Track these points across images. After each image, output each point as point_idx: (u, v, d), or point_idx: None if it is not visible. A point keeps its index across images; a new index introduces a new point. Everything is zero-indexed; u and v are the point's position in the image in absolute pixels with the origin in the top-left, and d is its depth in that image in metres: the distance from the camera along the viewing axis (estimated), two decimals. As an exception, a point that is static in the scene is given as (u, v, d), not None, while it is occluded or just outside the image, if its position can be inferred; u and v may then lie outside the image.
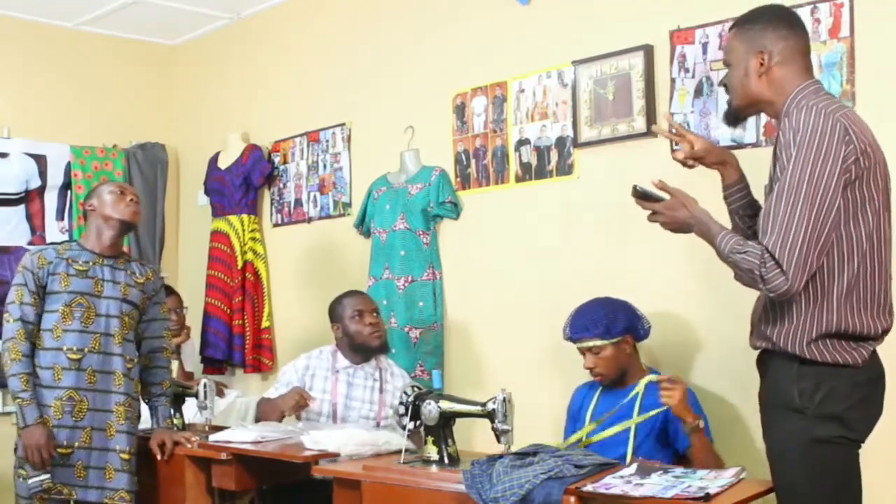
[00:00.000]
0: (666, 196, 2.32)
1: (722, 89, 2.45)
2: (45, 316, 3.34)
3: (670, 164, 3.17)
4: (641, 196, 2.35)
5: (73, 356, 3.31)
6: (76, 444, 3.30)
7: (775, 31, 2.27)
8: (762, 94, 2.29)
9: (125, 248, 3.66)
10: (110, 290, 3.40)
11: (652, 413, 2.87)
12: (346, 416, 3.57)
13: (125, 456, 3.35)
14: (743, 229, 2.42)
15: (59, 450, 3.27)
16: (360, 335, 3.57)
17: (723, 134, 3.12)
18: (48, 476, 3.25)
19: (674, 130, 2.52)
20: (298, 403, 3.48)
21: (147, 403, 3.58)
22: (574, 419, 3.18)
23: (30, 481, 3.24)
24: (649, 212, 2.36)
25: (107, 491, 3.32)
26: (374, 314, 3.62)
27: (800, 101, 2.21)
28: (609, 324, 2.98)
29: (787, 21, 2.31)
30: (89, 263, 3.40)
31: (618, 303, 3.07)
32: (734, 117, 2.42)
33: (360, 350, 3.59)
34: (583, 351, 3.04)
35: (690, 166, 2.46)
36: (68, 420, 3.29)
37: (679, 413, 2.79)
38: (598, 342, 2.98)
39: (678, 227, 2.33)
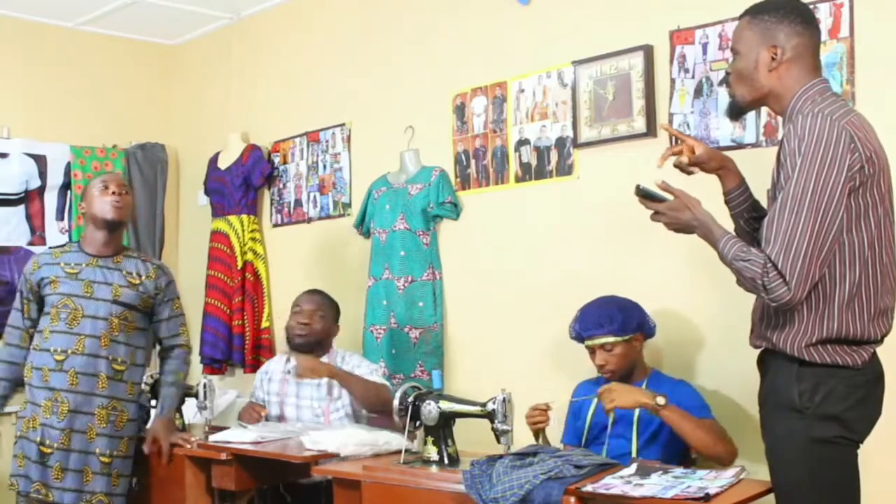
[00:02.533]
0: (669, 197, 2.31)
1: (723, 88, 2.42)
2: (41, 318, 3.40)
3: (671, 165, 3.17)
4: (644, 196, 2.34)
5: (58, 357, 3.33)
6: (55, 445, 3.31)
7: (790, 26, 2.23)
8: (771, 87, 2.25)
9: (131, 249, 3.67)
10: (100, 291, 3.39)
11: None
12: (299, 416, 3.65)
13: (105, 459, 3.35)
14: (748, 232, 2.41)
15: (42, 448, 3.30)
16: (288, 330, 3.70)
17: (723, 134, 3.12)
18: None
19: (675, 140, 2.49)
20: (254, 418, 3.65)
21: (157, 394, 3.60)
22: (575, 415, 3.18)
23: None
24: (651, 211, 2.36)
25: (84, 494, 3.32)
26: (310, 314, 3.68)
27: (805, 102, 2.20)
28: (624, 321, 2.97)
29: (802, 16, 2.27)
30: (82, 265, 3.40)
31: (627, 301, 3.06)
32: (738, 110, 2.37)
33: (289, 346, 3.70)
34: (593, 348, 3.01)
35: (690, 172, 2.44)
36: (54, 420, 3.32)
37: (633, 406, 2.78)
38: (612, 339, 2.96)
39: (680, 228, 2.32)
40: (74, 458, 3.32)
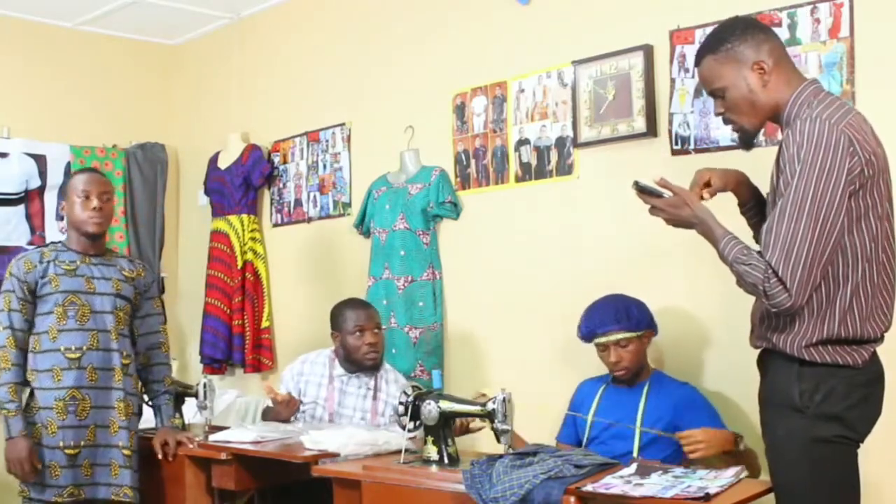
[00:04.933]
0: (667, 193, 2.31)
1: (720, 118, 2.38)
2: (39, 319, 3.32)
3: (670, 165, 3.18)
4: (641, 191, 2.33)
5: (72, 355, 3.29)
6: (82, 443, 3.29)
7: (754, 39, 2.23)
8: (776, 102, 2.23)
9: (114, 248, 3.64)
10: (102, 286, 3.37)
11: (655, 430, 2.88)
12: (339, 423, 3.56)
13: (127, 452, 3.35)
14: None
15: (67, 451, 3.26)
16: (357, 351, 3.52)
17: (723, 134, 3.12)
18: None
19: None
20: (290, 411, 3.51)
21: (150, 402, 3.58)
22: (575, 410, 3.18)
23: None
24: (650, 207, 2.34)
25: (113, 487, 3.32)
26: (376, 331, 3.55)
27: (801, 107, 2.19)
28: (639, 316, 2.96)
29: (757, 27, 2.28)
30: (76, 262, 3.37)
31: (635, 298, 3.04)
32: (751, 139, 2.34)
33: (354, 363, 3.57)
34: (606, 345, 2.98)
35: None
36: (73, 420, 3.27)
37: (718, 453, 2.74)
38: (627, 335, 2.94)
39: (680, 224, 2.32)
40: (101, 453, 3.31)
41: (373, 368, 3.56)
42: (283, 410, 3.53)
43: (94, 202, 3.34)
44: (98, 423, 3.32)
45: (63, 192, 3.49)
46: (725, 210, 2.39)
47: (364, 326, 3.53)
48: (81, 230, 3.38)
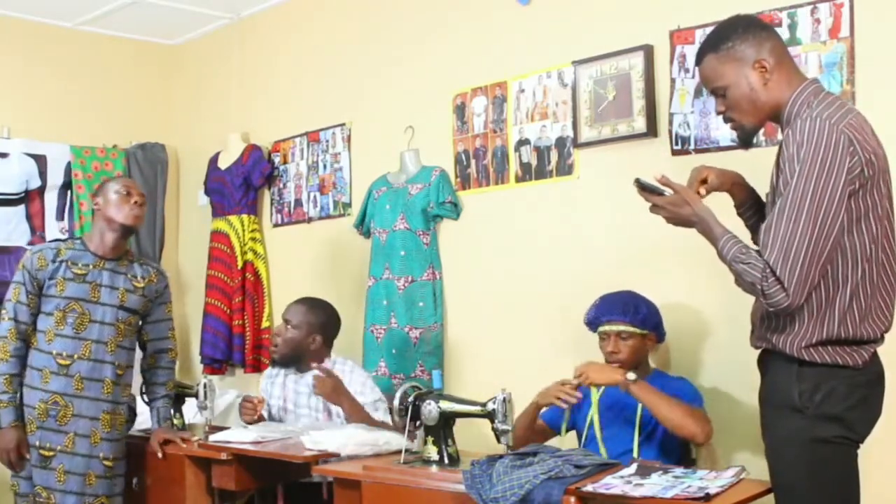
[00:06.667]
0: (668, 191, 2.30)
1: (720, 118, 2.37)
2: (40, 317, 3.33)
3: (670, 165, 3.18)
4: (643, 189, 2.33)
5: (63, 361, 3.29)
6: (58, 448, 3.28)
7: (756, 38, 2.23)
8: (777, 101, 2.23)
9: (130, 251, 3.63)
10: (107, 296, 3.37)
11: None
12: (297, 423, 3.60)
13: (108, 463, 3.35)
14: None
15: (42, 451, 3.27)
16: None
17: (723, 134, 3.12)
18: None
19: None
20: (249, 413, 3.63)
21: (148, 402, 3.58)
22: (575, 406, 3.18)
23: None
24: (650, 205, 2.34)
25: (86, 497, 3.31)
26: (283, 325, 3.66)
27: (801, 106, 2.19)
28: (647, 315, 2.98)
29: (759, 25, 2.28)
30: (89, 267, 3.36)
31: (648, 299, 3.06)
32: (752, 137, 2.33)
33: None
34: (607, 335, 3.00)
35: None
36: (52, 423, 3.28)
37: (607, 383, 2.85)
38: (630, 328, 2.96)
39: (680, 223, 2.32)
40: (79, 462, 3.31)
41: (272, 363, 3.71)
42: (244, 412, 3.64)
43: (136, 198, 3.39)
44: (79, 431, 3.31)
45: (98, 191, 3.48)
46: (726, 210, 2.39)
47: (282, 319, 3.69)
48: (116, 221, 3.37)
